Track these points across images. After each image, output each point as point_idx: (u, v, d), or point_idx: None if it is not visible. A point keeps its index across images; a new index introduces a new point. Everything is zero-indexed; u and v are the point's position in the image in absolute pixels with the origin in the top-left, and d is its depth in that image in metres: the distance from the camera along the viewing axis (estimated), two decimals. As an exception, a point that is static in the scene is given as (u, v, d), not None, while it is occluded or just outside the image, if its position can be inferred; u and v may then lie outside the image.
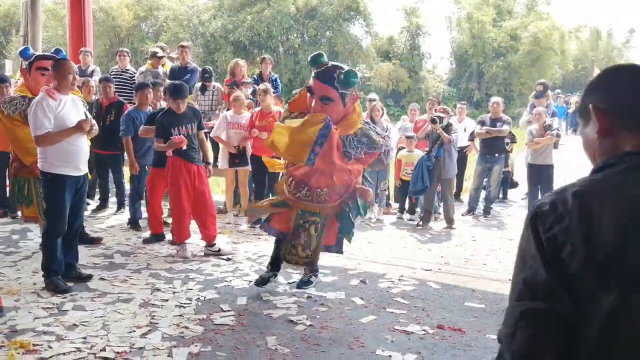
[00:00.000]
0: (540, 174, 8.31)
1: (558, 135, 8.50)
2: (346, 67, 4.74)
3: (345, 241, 5.02)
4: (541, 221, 1.22)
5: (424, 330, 4.24)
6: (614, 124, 1.29)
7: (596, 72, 27.40)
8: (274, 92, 7.64)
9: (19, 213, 7.11)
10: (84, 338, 3.91)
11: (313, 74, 4.71)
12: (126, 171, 7.56)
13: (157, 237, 6.51)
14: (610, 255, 1.14)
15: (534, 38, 28.95)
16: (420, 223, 7.83)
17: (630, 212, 1.15)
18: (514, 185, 9.85)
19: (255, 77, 8.91)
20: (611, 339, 1.15)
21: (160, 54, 9.09)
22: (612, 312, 1.13)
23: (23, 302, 4.55)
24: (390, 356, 3.80)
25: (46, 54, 6.14)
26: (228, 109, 7.86)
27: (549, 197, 1.24)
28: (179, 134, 5.83)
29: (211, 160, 6.84)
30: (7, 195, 7.12)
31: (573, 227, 1.18)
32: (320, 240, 4.83)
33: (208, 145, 6.45)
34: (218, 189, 9.67)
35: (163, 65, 9.19)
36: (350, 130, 4.67)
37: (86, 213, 7.17)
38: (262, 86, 7.39)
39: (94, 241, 6.32)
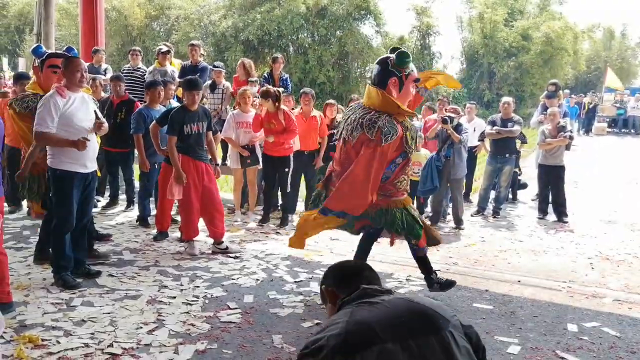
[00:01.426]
0: (551, 174, 8.27)
1: (571, 137, 8.45)
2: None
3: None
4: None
5: (430, 330, 4.22)
6: (337, 293, 2.17)
7: (609, 72, 27.35)
8: (283, 92, 7.61)
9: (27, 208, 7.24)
10: (92, 334, 3.94)
11: (412, 66, 4.51)
12: (136, 169, 7.60)
13: (162, 235, 6.53)
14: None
15: (546, 38, 28.81)
16: (429, 223, 7.80)
17: (352, 316, 1.92)
18: (523, 186, 9.80)
19: (266, 75, 8.92)
20: None
21: (165, 49, 9.12)
22: None
23: (32, 298, 4.59)
24: (396, 355, 3.79)
25: (58, 52, 6.19)
26: (235, 108, 7.88)
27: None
28: (192, 131, 5.85)
29: (219, 161, 6.86)
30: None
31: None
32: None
33: (214, 146, 6.43)
34: (227, 187, 9.71)
35: (171, 63, 9.23)
36: None
37: (96, 210, 7.23)
38: (262, 89, 7.34)
39: (103, 238, 6.35)
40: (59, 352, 3.66)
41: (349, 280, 2.18)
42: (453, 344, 1.89)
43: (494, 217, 8.36)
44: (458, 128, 7.62)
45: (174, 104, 7.20)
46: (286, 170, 7.26)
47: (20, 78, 7.39)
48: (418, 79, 4.54)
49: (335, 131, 7.77)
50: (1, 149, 6.22)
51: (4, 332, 3.89)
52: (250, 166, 7.49)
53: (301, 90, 8.09)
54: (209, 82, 8.72)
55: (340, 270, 2.30)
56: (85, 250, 5.26)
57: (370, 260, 5.81)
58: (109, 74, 9.03)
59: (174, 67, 9.26)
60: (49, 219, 5.20)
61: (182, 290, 4.90)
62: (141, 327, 4.09)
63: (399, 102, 4.40)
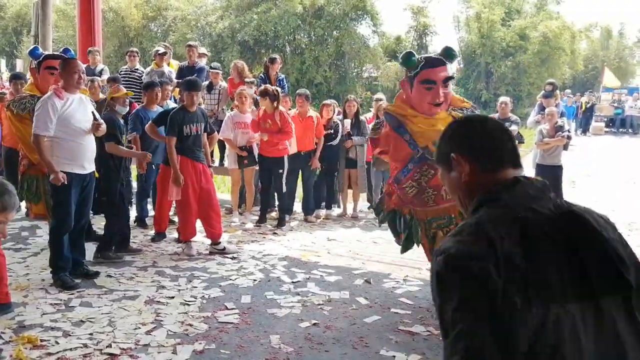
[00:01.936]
0: (548, 174, 8.27)
1: (569, 137, 8.46)
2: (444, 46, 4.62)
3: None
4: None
5: (428, 331, 4.25)
6: (473, 168, 1.50)
7: (606, 72, 27.33)
8: (281, 92, 7.63)
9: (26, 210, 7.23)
10: (91, 334, 3.96)
11: (422, 66, 4.34)
12: (134, 169, 7.60)
13: (160, 235, 6.55)
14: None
15: (544, 37, 28.84)
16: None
17: (521, 231, 1.34)
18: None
19: (262, 76, 8.93)
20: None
21: (162, 50, 9.14)
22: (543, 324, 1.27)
23: (31, 298, 4.61)
24: (394, 357, 3.81)
25: (55, 53, 6.22)
26: (232, 109, 7.89)
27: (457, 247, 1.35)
28: (191, 132, 5.87)
29: (216, 163, 6.85)
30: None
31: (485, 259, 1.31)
32: None
33: (208, 148, 6.45)
34: (225, 188, 9.72)
35: (168, 64, 9.23)
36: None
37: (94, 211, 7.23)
38: (260, 88, 7.39)
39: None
40: (57, 352, 3.68)
41: (493, 150, 1.53)
42: (637, 311, 1.36)
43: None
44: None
45: (171, 104, 7.22)
46: (280, 171, 7.26)
47: (15, 78, 7.41)
48: (427, 79, 4.31)
49: (332, 131, 7.82)
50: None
51: (3, 333, 3.91)
52: (247, 167, 7.51)
53: (296, 92, 8.11)
54: (206, 83, 8.73)
55: (480, 129, 1.57)
56: (83, 251, 5.27)
57: (368, 261, 5.86)
58: (105, 75, 9.03)
59: (171, 68, 9.27)
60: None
61: (180, 290, 4.92)
62: (139, 328, 4.11)
63: (399, 103, 4.44)
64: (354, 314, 4.56)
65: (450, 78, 4.42)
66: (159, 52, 9.09)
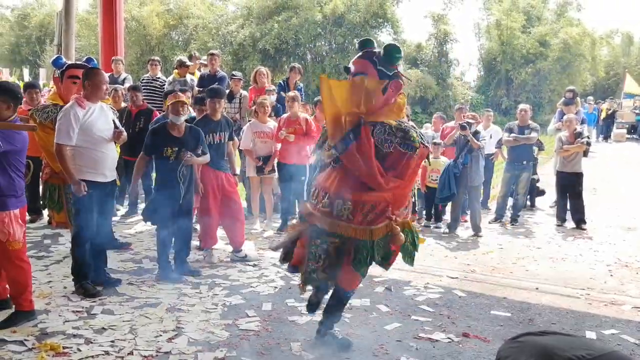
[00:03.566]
0: (569, 181, 8.21)
1: (588, 144, 8.39)
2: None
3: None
4: None
5: (448, 338, 4.22)
6: None
7: (628, 78, 26.80)
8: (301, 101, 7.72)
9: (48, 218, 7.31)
10: (112, 341, 3.99)
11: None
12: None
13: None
14: None
15: (564, 44, 28.63)
16: (447, 230, 7.79)
17: None
18: (541, 193, 9.73)
19: (282, 83, 8.97)
20: None
21: (188, 62, 9.20)
22: None
23: (54, 306, 4.65)
24: (414, 364, 3.79)
25: (78, 62, 6.29)
26: (251, 118, 7.94)
27: None
28: (213, 141, 5.90)
29: (238, 171, 6.89)
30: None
31: None
32: (340, 266, 3.83)
33: (234, 156, 6.49)
34: (243, 195, 9.75)
35: (193, 74, 9.29)
36: (382, 119, 3.67)
37: (115, 218, 7.29)
38: (290, 93, 7.49)
39: (123, 246, 6.42)
40: (79, 359, 3.71)
41: None
42: None
43: (512, 225, 8.31)
44: (475, 135, 7.60)
45: (193, 113, 7.26)
46: (303, 178, 7.29)
47: (29, 87, 7.50)
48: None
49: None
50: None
51: (26, 340, 3.95)
52: (267, 174, 7.50)
53: (315, 99, 8.15)
54: (226, 91, 8.79)
55: None
56: (105, 259, 5.32)
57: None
58: (128, 84, 9.12)
59: (194, 77, 9.34)
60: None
61: (201, 298, 4.94)
62: (161, 335, 4.13)
63: None
64: (375, 321, 4.55)
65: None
66: (185, 63, 9.15)
